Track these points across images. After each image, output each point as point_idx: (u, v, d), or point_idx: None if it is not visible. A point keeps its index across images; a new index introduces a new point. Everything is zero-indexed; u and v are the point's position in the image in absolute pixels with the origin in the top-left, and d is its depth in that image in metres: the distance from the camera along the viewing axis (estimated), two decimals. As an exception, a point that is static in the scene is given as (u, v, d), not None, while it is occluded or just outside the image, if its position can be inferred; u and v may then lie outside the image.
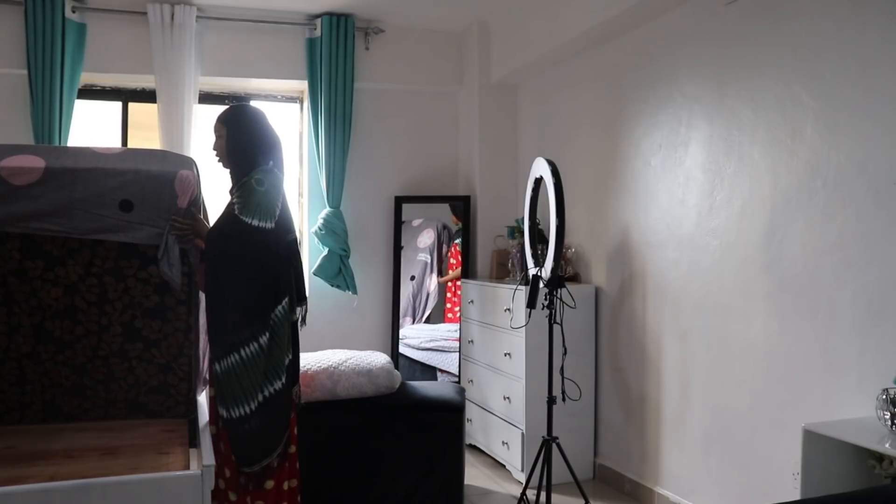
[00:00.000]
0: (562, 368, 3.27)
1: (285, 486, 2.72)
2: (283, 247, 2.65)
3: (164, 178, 2.51)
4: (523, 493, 3.38)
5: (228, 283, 2.56)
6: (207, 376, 2.80)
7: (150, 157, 2.57)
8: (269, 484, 2.66)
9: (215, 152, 2.77)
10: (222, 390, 2.58)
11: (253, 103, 4.95)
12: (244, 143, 2.70)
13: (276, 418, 2.62)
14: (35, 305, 2.84)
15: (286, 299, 2.62)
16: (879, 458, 2.19)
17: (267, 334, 2.56)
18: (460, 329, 4.72)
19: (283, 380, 2.61)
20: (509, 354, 3.95)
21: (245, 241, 2.56)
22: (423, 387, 3.68)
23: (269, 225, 2.59)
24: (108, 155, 2.54)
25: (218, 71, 4.63)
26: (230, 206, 2.64)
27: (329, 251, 4.73)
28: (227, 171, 2.76)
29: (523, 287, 3.62)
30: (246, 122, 2.74)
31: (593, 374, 3.97)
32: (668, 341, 3.45)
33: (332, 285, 4.75)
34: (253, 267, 2.57)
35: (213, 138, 2.77)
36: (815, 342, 2.64)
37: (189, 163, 2.61)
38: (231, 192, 2.72)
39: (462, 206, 4.96)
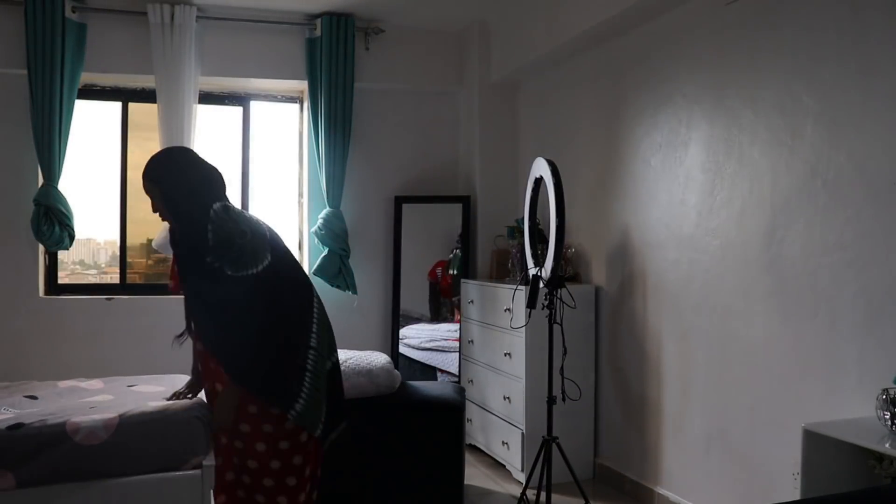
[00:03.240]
0: (562, 368, 3.27)
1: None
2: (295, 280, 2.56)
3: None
4: (523, 493, 3.39)
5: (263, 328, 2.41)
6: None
7: None
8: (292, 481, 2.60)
9: (158, 215, 2.50)
10: (306, 421, 2.49)
11: (253, 103, 4.96)
12: (183, 191, 2.42)
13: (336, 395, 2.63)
14: None
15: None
16: (879, 458, 2.19)
17: (314, 336, 2.52)
18: (460, 329, 4.72)
19: (335, 356, 2.65)
20: (509, 354, 3.95)
21: (264, 288, 2.40)
22: (423, 387, 3.68)
23: (266, 261, 2.42)
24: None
25: (218, 71, 4.63)
26: (213, 268, 2.37)
27: (329, 251, 4.73)
28: (178, 229, 2.50)
29: (523, 287, 3.62)
30: (175, 166, 2.46)
31: (593, 374, 3.97)
32: (668, 341, 3.45)
33: (332, 285, 4.75)
34: (279, 304, 2.43)
35: (148, 200, 2.48)
36: (815, 342, 2.64)
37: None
38: (192, 249, 2.44)
39: (462, 206, 4.96)
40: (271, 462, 2.49)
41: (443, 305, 4.97)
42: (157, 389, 3.18)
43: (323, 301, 2.76)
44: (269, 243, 2.46)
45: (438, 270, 5.00)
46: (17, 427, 2.41)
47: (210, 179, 2.47)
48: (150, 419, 2.54)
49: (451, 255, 4.97)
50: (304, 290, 2.59)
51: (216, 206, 2.41)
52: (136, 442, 2.49)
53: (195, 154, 2.55)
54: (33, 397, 3.02)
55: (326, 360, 2.60)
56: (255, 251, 2.40)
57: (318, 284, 4.70)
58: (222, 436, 2.55)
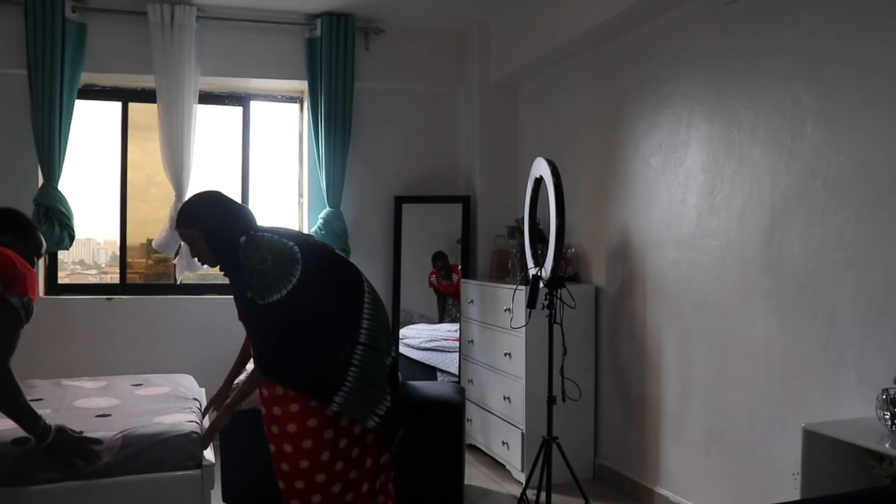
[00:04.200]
0: (562, 368, 3.27)
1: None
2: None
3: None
4: (523, 493, 3.39)
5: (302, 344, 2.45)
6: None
7: None
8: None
9: (196, 258, 2.56)
10: (350, 412, 2.48)
11: (253, 103, 4.96)
12: (223, 231, 2.49)
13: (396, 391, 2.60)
14: None
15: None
16: (879, 458, 2.20)
17: (362, 332, 2.52)
18: (460, 329, 4.72)
19: (394, 350, 2.61)
20: (509, 354, 3.95)
21: (284, 315, 2.43)
22: (423, 387, 3.68)
23: (295, 279, 2.43)
24: None
25: (218, 71, 4.63)
26: (248, 298, 2.44)
27: (329, 251, 4.73)
28: (219, 267, 2.55)
29: (523, 287, 3.62)
30: (212, 209, 2.54)
31: (593, 374, 3.97)
32: (668, 341, 3.45)
33: (332, 285, 4.75)
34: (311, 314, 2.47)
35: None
36: (815, 342, 2.64)
37: None
38: (233, 283, 2.52)
39: (462, 206, 4.96)
40: (322, 454, 2.49)
41: (453, 307, 4.98)
42: (162, 392, 3.18)
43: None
44: (300, 259, 2.47)
45: (433, 277, 5.01)
46: (22, 442, 2.42)
47: (238, 215, 2.54)
48: (155, 441, 2.54)
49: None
50: (350, 289, 2.58)
51: (242, 239, 2.46)
52: (138, 462, 2.49)
53: (222, 194, 2.61)
54: (38, 399, 3.01)
55: (385, 355, 2.58)
56: (278, 276, 2.42)
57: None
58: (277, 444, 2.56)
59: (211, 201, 2.58)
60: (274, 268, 2.43)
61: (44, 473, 2.40)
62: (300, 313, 2.45)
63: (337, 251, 2.70)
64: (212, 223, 2.50)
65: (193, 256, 2.58)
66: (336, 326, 2.52)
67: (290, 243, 2.50)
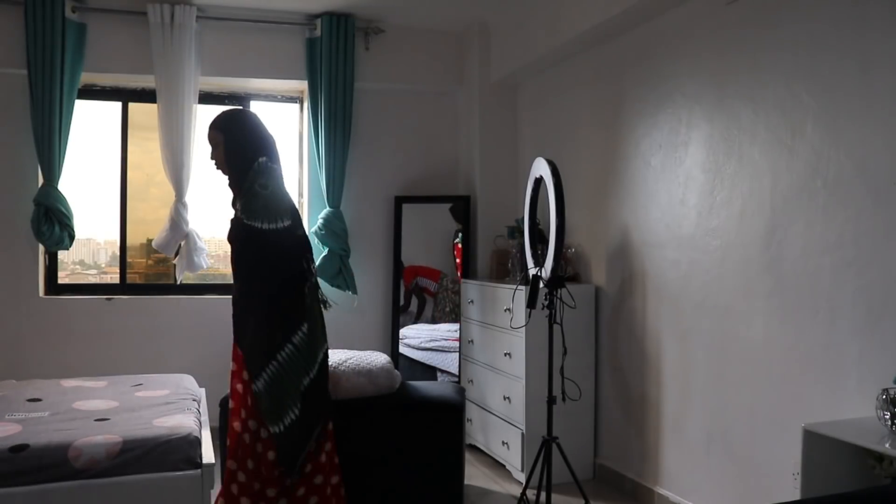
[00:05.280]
0: (562, 368, 3.26)
1: (332, 482, 2.76)
2: (297, 241, 2.67)
3: None
4: (523, 493, 3.38)
5: (257, 292, 2.59)
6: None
7: None
8: (318, 479, 2.72)
9: (213, 161, 2.75)
10: (265, 406, 2.56)
11: (253, 103, 4.96)
12: (242, 145, 2.67)
13: (310, 414, 2.64)
14: None
15: (308, 287, 2.64)
16: (879, 458, 2.19)
17: (299, 333, 2.58)
18: (460, 329, 4.72)
19: (315, 372, 2.63)
20: (509, 354, 3.95)
21: (261, 247, 2.57)
22: (423, 387, 3.68)
23: (282, 224, 2.60)
24: None
25: (218, 71, 4.63)
26: (237, 218, 2.65)
27: (329, 251, 4.73)
28: (227, 178, 2.73)
29: (523, 287, 3.62)
30: (242, 123, 2.73)
31: (593, 374, 3.97)
32: (668, 341, 3.45)
33: (332, 285, 4.75)
34: (275, 270, 2.58)
35: (208, 148, 2.74)
36: (815, 342, 2.64)
37: None
38: (234, 202, 2.71)
39: (462, 206, 4.96)
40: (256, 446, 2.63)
41: (434, 308, 5.00)
42: (161, 393, 3.18)
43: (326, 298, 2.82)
44: (290, 215, 2.64)
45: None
46: (20, 448, 2.42)
47: (263, 139, 2.72)
48: (154, 444, 2.54)
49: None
50: (307, 282, 2.66)
51: (261, 159, 2.65)
52: (137, 465, 2.50)
53: (259, 118, 2.78)
54: (37, 399, 3.01)
55: (302, 374, 2.61)
56: (268, 206, 2.58)
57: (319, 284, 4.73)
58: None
59: (245, 117, 2.76)
60: (268, 200, 2.59)
61: (42, 476, 2.40)
62: (266, 261, 2.57)
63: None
64: (238, 135, 2.68)
65: (211, 159, 2.73)
66: (283, 302, 2.60)
67: (291, 200, 2.71)
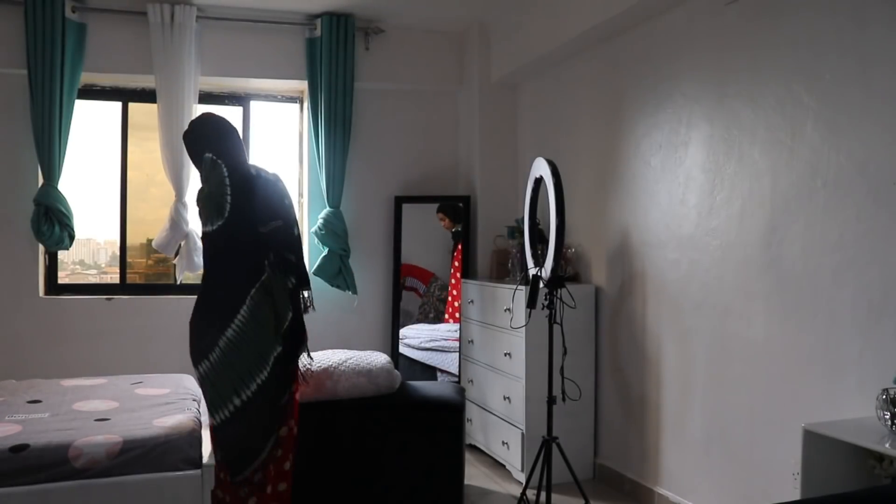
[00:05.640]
0: (562, 368, 3.27)
1: (277, 489, 2.72)
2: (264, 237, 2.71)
3: None
4: (523, 493, 3.38)
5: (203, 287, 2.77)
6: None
7: None
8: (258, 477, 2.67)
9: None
10: (208, 395, 2.64)
11: (253, 103, 4.97)
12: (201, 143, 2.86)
13: (255, 422, 2.59)
14: None
15: (261, 282, 2.63)
16: (879, 458, 2.19)
17: (235, 326, 2.59)
18: (460, 329, 4.72)
19: (263, 378, 2.59)
20: (509, 354, 3.95)
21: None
22: (423, 387, 3.68)
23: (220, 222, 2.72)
24: None
25: (218, 71, 4.63)
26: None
27: (329, 251, 4.73)
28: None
29: (523, 287, 3.62)
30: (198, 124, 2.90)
31: (593, 374, 3.97)
32: (668, 341, 3.45)
33: (332, 285, 4.75)
34: (220, 265, 2.73)
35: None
36: (815, 342, 2.64)
37: None
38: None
39: (462, 206, 4.96)
40: None
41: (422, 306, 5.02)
42: (161, 392, 3.18)
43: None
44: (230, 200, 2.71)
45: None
46: (20, 448, 2.42)
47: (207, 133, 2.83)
48: (155, 444, 2.54)
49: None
50: (256, 269, 2.68)
51: (206, 155, 2.77)
52: (137, 465, 2.50)
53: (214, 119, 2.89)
54: (37, 401, 3.01)
55: (247, 371, 2.61)
56: (217, 195, 2.72)
57: (318, 284, 4.73)
58: None
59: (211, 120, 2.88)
60: (212, 187, 2.73)
61: (42, 476, 2.40)
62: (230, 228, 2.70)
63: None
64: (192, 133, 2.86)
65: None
66: (226, 286, 2.68)
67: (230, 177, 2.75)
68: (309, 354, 2.85)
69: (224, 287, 2.65)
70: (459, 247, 4.95)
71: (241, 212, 2.67)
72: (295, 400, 2.76)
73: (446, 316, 4.92)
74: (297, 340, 2.72)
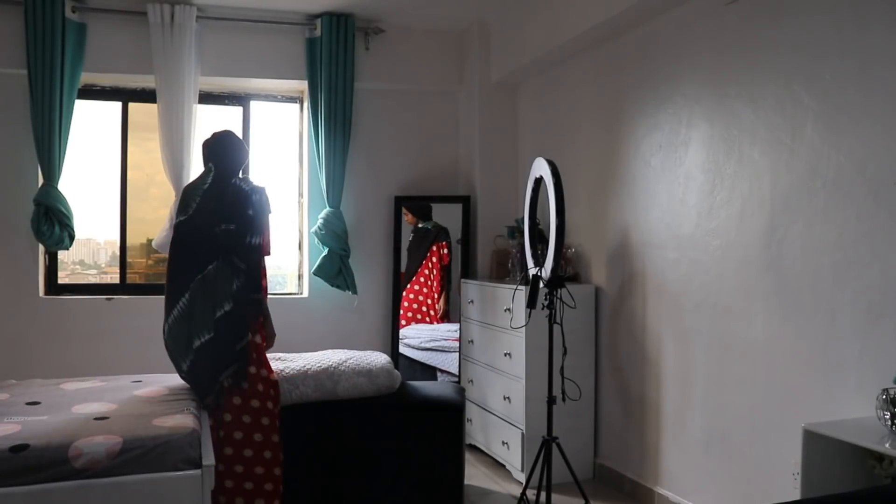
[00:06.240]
0: (562, 368, 3.27)
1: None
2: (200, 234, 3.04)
3: None
4: (523, 493, 3.38)
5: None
6: None
7: None
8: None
9: None
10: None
11: (253, 103, 4.96)
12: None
13: (205, 369, 3.06)
14: None
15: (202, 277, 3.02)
16: (879, 458, 2.20)
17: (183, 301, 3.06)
18: (460, 329, 4.72)
19: (186, 366, 3.08)
20: (509, 354, 3.95)
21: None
22: (423, 387, 3.68)
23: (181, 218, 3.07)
24: None
25: (218, 71, 4.63)
26: None
27: (329, 251, 4.73)
28: None
29: (523, 287, 3.62)
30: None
31: (593, 374, 3.97)
32: (668, 341, 3.45)
33: (332, 285, 4.75)
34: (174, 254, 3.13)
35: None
36: (815, 342, 2.64)
37: None
38: None
39: (462, 206, 4.96)
40: None
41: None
42: (161, 392, 3.17)
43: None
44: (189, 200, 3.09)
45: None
46: (20, 448, 2.42)
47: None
48: (154, 444, 2.54)
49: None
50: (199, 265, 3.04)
51: (209, 164, 3.15)
52: (137, 465, 2.49)
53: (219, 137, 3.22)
54: (36, 403, 3.01)
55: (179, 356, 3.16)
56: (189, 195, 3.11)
57: (319, 284, 4.74)
58: None
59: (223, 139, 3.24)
60: (194, 186, 3.13)
61: (42, 476, 2.40)
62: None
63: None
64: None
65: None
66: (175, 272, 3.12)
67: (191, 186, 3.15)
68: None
69: (172, 277, 3.12)
70: (435, 247, 4.95)
71: (204, 212, 3.01)
72: (258, 346, 3.11)
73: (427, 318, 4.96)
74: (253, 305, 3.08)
